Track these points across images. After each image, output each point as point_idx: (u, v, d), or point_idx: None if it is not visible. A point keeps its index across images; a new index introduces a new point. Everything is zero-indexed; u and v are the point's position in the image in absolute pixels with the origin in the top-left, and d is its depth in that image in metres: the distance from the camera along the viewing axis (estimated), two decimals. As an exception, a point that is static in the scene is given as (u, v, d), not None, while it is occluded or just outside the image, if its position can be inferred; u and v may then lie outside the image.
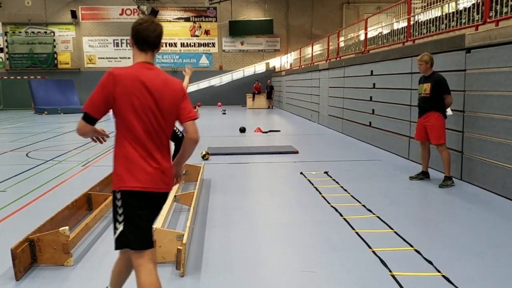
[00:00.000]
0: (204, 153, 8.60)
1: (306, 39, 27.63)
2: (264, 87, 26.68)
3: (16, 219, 4.96)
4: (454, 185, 6.21)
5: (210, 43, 29.91)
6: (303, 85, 18.77)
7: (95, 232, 4.43)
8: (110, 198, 5.06)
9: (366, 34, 12.44)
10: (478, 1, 6.80)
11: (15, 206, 5.44)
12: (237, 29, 29.43)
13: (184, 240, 3.56)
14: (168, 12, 29.48)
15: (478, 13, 6.80)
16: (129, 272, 2.81)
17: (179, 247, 3.50)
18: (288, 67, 25.10)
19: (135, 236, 2.46)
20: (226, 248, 4.01)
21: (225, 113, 21.72)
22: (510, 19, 6.01)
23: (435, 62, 6.46)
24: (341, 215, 4.94)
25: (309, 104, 17.59)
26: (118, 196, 2.45)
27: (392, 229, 4.46)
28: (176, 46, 29.72)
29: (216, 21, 29.68)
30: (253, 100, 26.51)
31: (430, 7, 8.73)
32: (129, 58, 29.14)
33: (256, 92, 26.76)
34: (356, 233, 4.35)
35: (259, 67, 30.13)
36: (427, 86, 6.24)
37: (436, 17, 8.38)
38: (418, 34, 8.99)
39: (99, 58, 28.78)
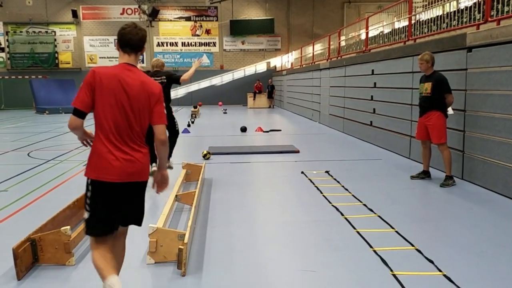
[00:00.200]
0: (205, 152, 8.60)
1: (307, 38, 27.61)
2: (265, 86, 26.65)
3: (17, 219, 4.97)
4: (455, 184, 6.20)
5: (211, 43, 29.91)
6: (304, 84, 18.76)
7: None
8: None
9: (367, 33, 12.42)
10: (479, 0, 6.78)
11: (17, 206, 5.44)
12: (238, 29, 29.43)
13: (186, 240, 3.56)
14: (169, 12, 29.48)
15: (479, 12, 6.79)
16: (120, 254, 2.92)
17: (180, 246, 3.50)
18: (289, 66, 25.09)
19: (94, 222, 2.73)
20: (227, 248, 4.02)
21: (226, 113, 21.72)
22: (511, 18, 6.00)
23: (436, 61, 6.45)
24: (342, 214, 4.94)
25: (310, 104, 17.59)
26: (88, 185, 2.72)
27: (393, 228, 4.46)
28: (177, 46, 29.73)
29: (217, 20, 29.67)
30: (254, 99, 26.51)
31: (431, 6, 8.72)
32: (130, 57, 29.11)
33: (257, 91, 26.75)
34: (357, 232, 4.35)
35: (260, 67, 30.13)
36: (428, 86, 6.24)
37: (437, 16, 8.37)
38: (419, 33, 8.98)
39: (100, 57, 28.81)
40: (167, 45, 29.71)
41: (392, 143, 9.20)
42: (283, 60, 28.00)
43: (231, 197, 5.84)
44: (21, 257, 3.42)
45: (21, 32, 28.62)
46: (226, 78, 30.04)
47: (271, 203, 5.64)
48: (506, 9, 6.09)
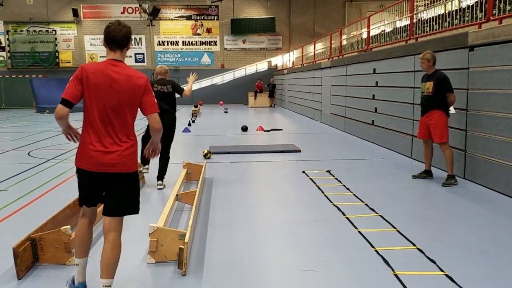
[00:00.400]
0: (206, 152, 8.58)
1: (308, 37, 27.58)
2: (266, 87, 26.61)
3: (17, 218, 4.96)
4: (457, 183, 6.18)
5: (212, 42, 29.89)
6: (305, 83, 18.74)
7: (97, 231, 4.42)
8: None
9: (368, 32, 12.39)
10: (481, -2, 6.76)
11: (17, 205, 5.44)
12: (239, 27, 29.41)
13: (186, 239, 3.55)
14: (170, 11, 29.47)
15: (481, 11, 6.76)
16: (109, 255, 2.98)
17: (181, 246, 3.48)
18: (290, 65, 25.07)
19: (80, 198, 3.09)
20: (228, 247, 4.00)
21: (227, 112, 21.71)
22: (513, 16, 5.98)
23: (438, 60, 6.43)
24: (343, 214, 4.92)
25: (311, 103, 17.57)
26: (76, 170, 3.04)
27: (394, 228, 4.44)
28: (178, 45, 29.72)
29: (218, 19, 29.66)
30: (255, 98, 26.48)
31: (433, 5, 8.69)
32: (130, 56, 29.16)
33: (258, 90, 26.72)
34: (359, 232, 4.33)
35: (261, 66, 30.10)
36: (429, 85, 6.21)
37: (439, 15, 8.34)
38: (421, 32, 8.95)
39: (100, 56, 28.76)
40: (167, 44, 29.70)
41: (394, 142, 9.18)
42: (284, 59, 27.98)
43: (232, 196, 5.83)
44: (21, 257, 3.40)
45: (21, 31, 28.62)
46: (227, 77, 30.03)
47: (272, 202, 5.63)
48: (508, 7, 6.07)
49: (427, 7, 9.04)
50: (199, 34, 29.78)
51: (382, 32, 12.05)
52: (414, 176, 6.68)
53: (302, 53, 21.74)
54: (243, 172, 7.45)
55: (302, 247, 4.04)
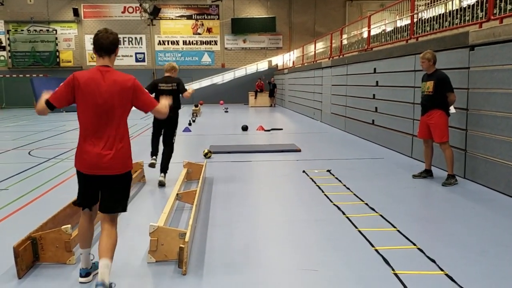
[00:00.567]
0: (206, 151, 8.59)
1: (308, 36, 27.56)
2: (267, 85, 26.60)
3: (18, 217, 4.97)
4: (457, 183, 6.18)
5: (212, 41, 29.89)
6: (305, 83, 18.73)
7: (97, 230, 4.42)
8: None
9: (369, 31, 12.39)
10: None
11: (18, 204, 5.44)
12: (240, 27, 29.40)
13: (187, 239, 3.55)
14: (170, 10, 29.47)
15: (482, 10, 6.76)
16: (105, 241, 3.17)
17: (181, 245, 3.48)
18: (291, 65, 25.07)
19: (78, 198, 3.29)
20: (228, 246, 4.01)
21: (227, 111, 21.71)
22: (514, 16, 5.97)
23: (439, 59, 6.43)
24: (343, 213, 4.92)
25: (311, 102, 17.57)
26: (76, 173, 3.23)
27: (395, 227, 4.44)
28: (178, 44, 29.72)
29: (218, 18, 29.65)
30: (255, 98, 26.48)
31: (434, 5, 8.69)
32: (131, 56, 29.19)
33: (258, 90, 26.71)
34: (359, 231, 4.33)
35: (262, 65, 30.09)
36: (430, 84, 6.21)
37: (439, 15, 8.34)
38: (422, 32, 8.95)
39: (101, 56, 28.78)
40: (168, 44, 29.70)
41: (394, 142, 9.18)
42: (285, 59, 27.97)
43: (232, 196, 5.83)
44: (22, 256, 3.41)
45: (22, 30, 28.64)
46: (228, 76, 30.02)
47: (272, 202, 5.63)
48: (509, 7, 6.07)
49: (428, 6, 9.03)
50: (199, 34, 29.78)
51: (383, 32, 12.06)
52: (414, 176, 6.68)
53: (303, 52, 21.73)
54: (243, 172, 7.45)
55: (302, 246, 4.04)
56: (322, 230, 4.47)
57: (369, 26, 12.34)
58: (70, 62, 29.01)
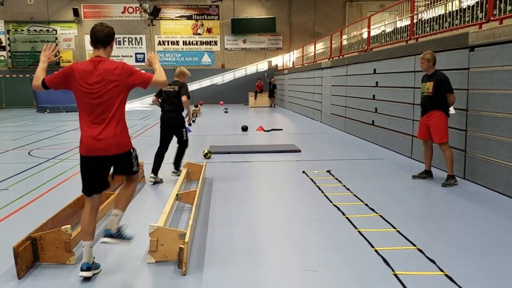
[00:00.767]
0: (206, 151, 8.59)
1: (308, 37, 27.58)
2: (266, 85, 26.60)
3: (18, 218, 4.97)
4: (457, 184, 6.18)
5: (212, 41, 29.89)
6: (305, 83, 18.74)
7: (97, 230, 4.42)
8: (112, 196, 5.09)
9: (369, 32, 12.40)
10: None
11: (17, 205, 5.44)
12: (240, 27, 29.41)
13: (186, 239, 3.55)
14: (170, 10, 29.47)
15: (481, 11, 6.76)
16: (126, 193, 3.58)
17: (181, 245, 3.49)
18: (291, 65, 25.07)
19: (83, 185, 3.47)
20: (228, 247, 4.01)
21: (227, 112, 21.71)
22: (514, 17, 5.98)
23: (439, 60, 6.43)
24: (343, 214, 4.92)
25: (311, 103, 17.57)
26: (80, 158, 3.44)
27: (394, 228, 4.44)
28: (178, 44, 29.73)
29: (218, 19, 29.66)
30: (255, 98, 26.48)
31: (434, 5, 8.69)
32: (131, 56, 29.18)
33: (258, 90, 26.72)
34: (359, 232, 4.34)
35: (262, 66, 30.10)
36: (429, 85, 6.21)
37: (439, 15, 8.34)
38: (421, 32, 8.95)
39: (101, 56, 28.79)
40: (168, 44, 29.71)
41: (394, 142, 9.18)
42: (285, 59, 27.98)
43: (232, 196, 5.83)
44: (22, 256, 3.41)
45: (22, 30, 28.64)
46: (227, 77, 30.03)
47: (272, 202, 5.63)
48: (508, 8, 6.07)
49: (428, 7, 9.04)
50: (199, 34, 29.78)
51: (383, 32, 12.06)
52: (414, 176, 6.68)
53: (303, 53, 21.74)
54: (243, 172, 7.45)
55: (302, 247, 4.04)
56: (322, 230, 4.47)
57: (369, 27, 12.34)
58: (70, 62, 28.99)
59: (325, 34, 20.31)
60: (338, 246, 4.02)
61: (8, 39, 28.53)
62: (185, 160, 6.83)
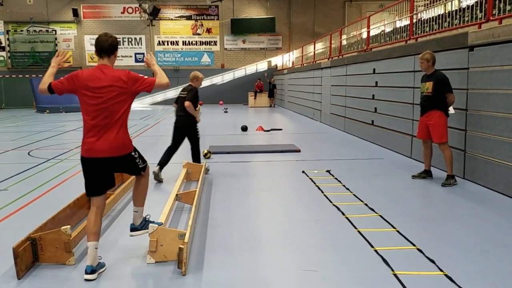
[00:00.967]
0: (205, 151, 8.58)
1: (308, 37, 27.59)
2: (266, 85, 26.60)
3: (17, 218, 4.96)
4: (456, 183, 6.19)
5: (212, 42, 29.90)
6: (305, 83, 18.74)
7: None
8: (112, 197, 5.09)
9: (368, 32, 12.40)
10: (481, -1, 6.76)
11: (17, 205, 5.44)
12: (239, 27, 29.41)
13: (186, 239, 3.55)
14: (170, 11, 29.47)
15: (481, 11, 6.76)
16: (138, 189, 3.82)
17: (180, 245, 3.49)
18: (290, 65, 25.07)
19: (86, 187, 3.58)
20: (227, 247, 4.01)
21: (226, 112, 21.71)
22: (513, 17, 5.98)
23: (438, 60, 6.43)
24: (343, 213, 4.92)
25: (311, 103, 17.57)
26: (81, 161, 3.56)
27: (394, 228, 4.44)
28: (177, 45, 29.73)
29: (218, 19, 29.66)
30: (254, 98, 26.48)
31: (433, 5, 8.70)
32: (130, 56, 29.18)
33: (258, 90, 26.72)
34: (358, 232, 4.34)
35: (261, 66, 30.10)
36: (429, 85, 6.22)
37: (439, 15, 8.35)
38: (421, 32, 8.95)
39: (100, 56, 28.78)
40: (168, 44, 29.71)
41: (394, 142, 9.18)
42: (284, 59, 27.97)
43: (232, 196, 5.83)
44: (21, 256, 3.41)
45: (21, 31, 28.63)
46: (227, 77, 30.03)
47: (271, 202, 5.63)
48: (508, 8, 6.07)
49: (427, 7, 9.04)
50: (199, 34, 29.78)
51: (382, 32, 12.06)
52: (413, 176, 6.68)
53: (302, 53, 21.74)
54: (243, 172, 7.45)
55: (302, 247, 4.04)
56: (322, 230, 4.47)
57: (368, 27, 12.35)
58: (70, 62, 28.97)
59: (324, 34, 20.31)
60: (338, 246, 4.02)
61: (8, 39, 28.52)
62: (184, 160, 6.83)
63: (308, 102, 18.17)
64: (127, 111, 3.53)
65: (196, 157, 7.05)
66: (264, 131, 13.34)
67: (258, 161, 8.36)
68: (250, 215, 5.00)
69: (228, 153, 9.13)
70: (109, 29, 28.77)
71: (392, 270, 3.45)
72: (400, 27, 10.42)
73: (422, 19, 9.10)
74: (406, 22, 9.94)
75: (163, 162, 6.69)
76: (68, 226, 3.65)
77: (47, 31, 28.78)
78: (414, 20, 9.36)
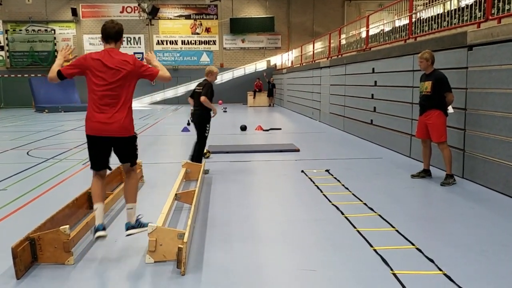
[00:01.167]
0: (205, 151, 8.57)
1: (307, 36, 27.58)
2: (265, 84, 26.59)
3: (16, 218, 4.96)
4: (455, 183, 6.19)
5: (211, 41, 29.88)
6: (304, 82, 18.74)
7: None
8: (111, 196, 5.09)
9: (367, 31, 12.40)
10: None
11: (16, 205, 5.43)
12: (238, 27, 29.41)
13: (185, 239, 3.55)
14: (169, 10, 29.45)
15: (480, 11, 6.77)
16: (128, 185, 3.97)
17: (180, 245, 3.48)
18: (289, 64, 25.07)
19: (91, 162, 3.87)
20: (226, 247, 4.00)
21: (226, 111, 21.70)
22: (512, 16, 5.98)
23: (437, 59, 6.43)
24: (342, 213, 4.93)
25: (310, 102, 17.57)
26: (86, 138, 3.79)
27: (393, 227, 4.44)
28: (177, 44, 29.72)
29: (217, 18, 29.65)
30: (254, 98, 26.48)
31: (432, 4, 8.70)
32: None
33: (257, 90, 26.71)
34: (357, 231, 4.34)
35: (260, 65, 30.10)
36: (428, 84, 6.22)
37: (438, 14, 8.35)
38: (420, 32, 8.96)
39: (100, 56, 28.74)
40: (167, 44, 29.69)
41: (393, 141, 9.19)
42: (283, 59, 27.97)
43: (231, 195, 5.83)
44: (20, 256, 3.40)
45: (20, 30, 28.60)
46: (226, 76, 30.01)
47: (271, 202, 5.63)
48: (507, 7, 6.08)
49: (426, 6, 9.04)
50: (198, 34, 29.77)
51: (381, 32, 12.06)
52: (412, 176, 6.68)
53: (301, 52, 21.73)
54: (242, 172, 7.45)
55: (301, 246, 4.04)
56: (321, 230, 4.47)
57: (367, 26, 12.35)
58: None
59: (323, 33, 20.31)
60: (337, 246, 4.02)
61: (7, 39, 28.50)
62: (183, 160, 6.82)
63: (307, 101, 18.17)
64: (131, 92, 3.76)
65: (196, 153, 7.11)
66: (263, 130, 13.34)
67: (257, 161, 8.36)
68: (249, 215, 5.00)
69: (227, 152, 9.13)
70: (108, 29, 28.73)
71: (391, 269, 3.45)
72: (399, 27, 10.42)
73: (421, 18, 9.10)
74: (405, 21, 9.94)
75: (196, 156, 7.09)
76: (67, 226, 3.64)
77: (46, 30, 28.76)
78: (413, 20, 9.37)
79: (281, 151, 9.35)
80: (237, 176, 7.03)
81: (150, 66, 3.87)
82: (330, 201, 5.42)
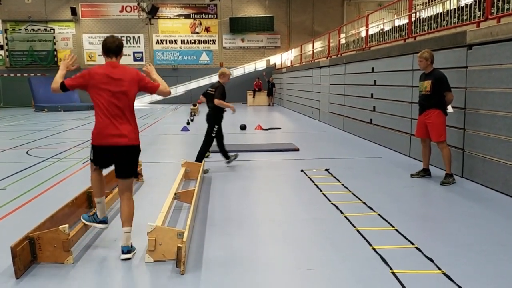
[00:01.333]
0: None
1: (307, 36, 27.57)
2: (265, 84, 26.58)
3: (16, 217, 4.96)
4: (455, 182, 6.19)
5: (210, 40, 29.87)
6: (304, 82, 18.74)
7: (95, 230, 4.42)
8: (111, 196, 5.08)
9: (367, 30, 12.40)
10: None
11: (15, 204, 5.43)
12: (238, 26, 29.40)
13: (185, 238, 3.55)
14: (168, 9, 29.44)
15: (479, 10, 6.77)
16: (124, 210, 3.90)
17: (179, 245, 3.48)
18: (289, 64, 25.06)
19: (95, 162, 3.95)
20: (226, 246, 4.01)
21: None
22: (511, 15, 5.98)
23: (437, 59, 6.43)
24: (341, 212, 4.93)
25: (310, 101, 17.57)
26: (91, 146, 3.91)
27: (393, 226, 4.45)
28: (176, 43, 29.70)
29: (216, 18, 29.64)
30: (253, 97, 26.47)
31: (432, 4, 8.70)
32: (129, 55, 29.13)
33: (256, 89, 26.71)
34: (357, 230, 4.34)
35: (260, 64, 30.09)
36: (427, 84, 6.22)
37: (437, 14, 8.35)
38: (419, 31, 8.95)
39: (99, 55, 28.73)
40: (166, 43, 29.67)
41: (392, 141, 9.19)
42: (283, 58, 27.96)
43: (231, 195, 5.83)
44: (20, 256, 3.40)
45: (20, 29, 28.58)
46: (226, 76, 29.95)
47: (270, 201, 5.63)
48: (506, 6, 6.08)
49: (426, 5, 9.04)
50: (197, 33, 29.76)
51: (381, 31, 12.06)
52: (412, 175, 6.69)
53: (301, 51, 21.73)
54: (241, 171, 7.45)
55: (301, 245, 4.04)
56: (321, 229, 4.47)
57: (367, 26, 12.35)
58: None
59: (323, 32, 20.30)
60: (337, 245, 4.02)
61: (6, 38, 28.48)
62: (183, 159, 6.82)
63: (306, 101, 18.17)
64: (133, 102, 3.88)
65: (200, 152, 7.23)
66: (263, 130, 13.34)
67: (257, 160, 8.36)
68: (248, 214, 5.00)
69: (227, 152, 9.09)
70: (107, 28, 28.78)
71: (391, 268, 3.46)
72: (398, 26, 10.42)
73: (421, 17, 9.10)
74: (404, 20, 9.94)
75: (224, 154, 7.43)
76: (66, 225, 3.65)
77: (45, 30, 28.74)
78: (413, 19, 9.36)
79: (280, 150, 9.35)
80: (236, 176, 7.03)
81: (152, 81, 3.97)
82: (329, 200, 5.42)
